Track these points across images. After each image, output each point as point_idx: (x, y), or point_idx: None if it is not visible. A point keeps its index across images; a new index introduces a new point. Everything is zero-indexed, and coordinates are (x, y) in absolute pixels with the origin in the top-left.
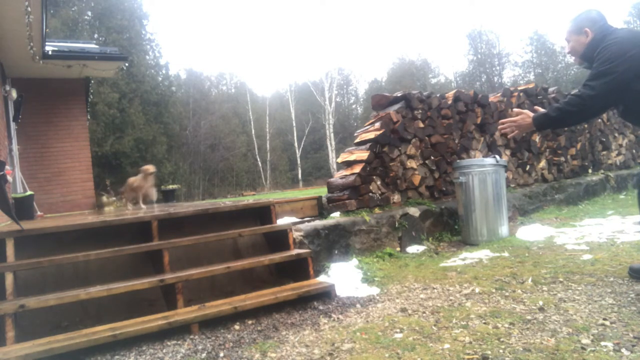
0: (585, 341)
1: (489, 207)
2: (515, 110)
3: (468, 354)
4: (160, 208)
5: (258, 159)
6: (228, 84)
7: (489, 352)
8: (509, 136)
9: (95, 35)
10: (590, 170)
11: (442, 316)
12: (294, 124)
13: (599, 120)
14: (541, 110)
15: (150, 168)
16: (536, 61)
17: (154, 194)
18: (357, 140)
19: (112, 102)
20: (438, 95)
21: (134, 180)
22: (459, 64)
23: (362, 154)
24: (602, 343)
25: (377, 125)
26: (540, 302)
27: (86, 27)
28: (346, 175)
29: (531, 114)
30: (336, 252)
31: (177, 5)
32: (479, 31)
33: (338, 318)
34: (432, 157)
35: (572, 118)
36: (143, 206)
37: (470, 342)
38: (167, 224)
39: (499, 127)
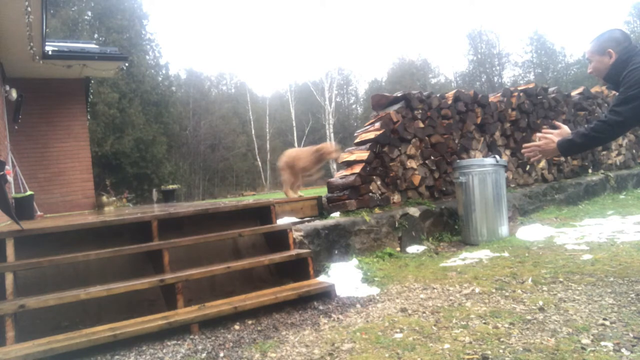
0: (585, 341)
1: (489, 207)
2: (539, 134)
3: (468, 354)
4: (160, 208)
5: (258, 159)
6: (228, 84)
7: (489, 352)
8: (531, 159)
9: (95, 35)
10: (590, 170)
11: (442, 316)
12: (294, 124)
13: None
14: (565, 129)
15: (333, 152)
16: (536, 61)
17: (317, 176)
18: (357, 140)
19: (112, 102)
20: (438, 95)
21: (297, 155)
22: (459, 64)
23: (362, 154)
24: (602, 343)
25: (377, 125)
26: (540, 302)
27: (86, 27)
28: (346, 175)
29: (555, 139)
30: (336, 252)
31: (177, 5)
32: (479, 31)
33: (338, 318)
34: (432, 157)
35: (597, 143)
36: (294, 194)
37: (470, 342)
38: (167, 224)
39: (523, 150)
